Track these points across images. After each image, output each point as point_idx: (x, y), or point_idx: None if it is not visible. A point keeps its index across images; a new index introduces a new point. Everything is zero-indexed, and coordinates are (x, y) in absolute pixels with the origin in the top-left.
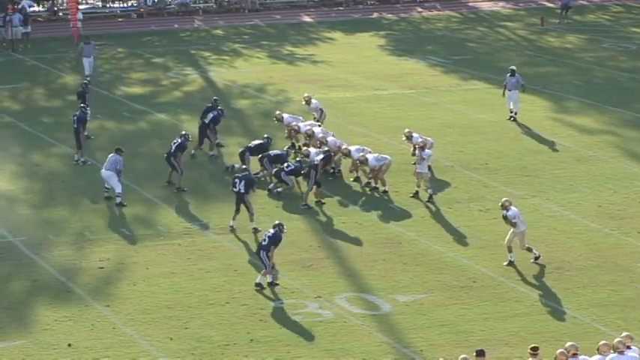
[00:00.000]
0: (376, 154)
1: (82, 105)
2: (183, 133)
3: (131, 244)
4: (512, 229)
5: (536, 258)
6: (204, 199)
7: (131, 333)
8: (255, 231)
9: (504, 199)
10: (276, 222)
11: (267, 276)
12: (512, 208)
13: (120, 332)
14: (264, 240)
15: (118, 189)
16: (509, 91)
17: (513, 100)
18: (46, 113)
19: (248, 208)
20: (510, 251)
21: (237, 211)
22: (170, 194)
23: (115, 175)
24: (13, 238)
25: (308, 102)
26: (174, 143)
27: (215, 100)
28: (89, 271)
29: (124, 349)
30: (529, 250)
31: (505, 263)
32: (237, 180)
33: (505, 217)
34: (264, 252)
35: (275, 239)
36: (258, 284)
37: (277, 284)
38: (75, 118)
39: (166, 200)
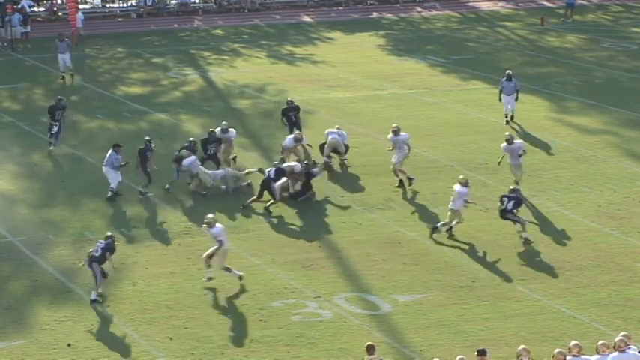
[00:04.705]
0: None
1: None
2: (191, 139)
3: (131, 244)
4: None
5: (240, 277)
6: (205, 199)
7: (131, 333)
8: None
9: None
10: (109, 233)
11: (99, 289)
12: (218, 225)
13: (120, 332)
14: (97, 251)
15: (113, 184)
16: (508, 95)
17: (511, 103)
18: (45, 113)
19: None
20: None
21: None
22: (170, 194)
23: (111, 171)
24: (13, 238)
25: (396, 133)
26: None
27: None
28: (89, 271)
29: (123, 349)
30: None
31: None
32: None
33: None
34: (96, 263)
35: (109, 248)
36: (94, 299)
37: (101, 301)
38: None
39: (166, 200)
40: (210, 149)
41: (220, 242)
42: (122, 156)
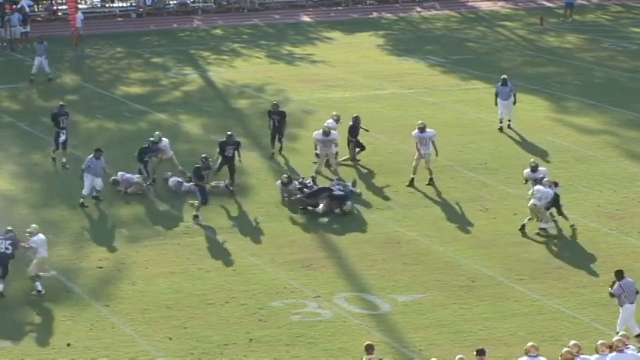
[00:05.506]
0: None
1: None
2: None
3: (131, 244)
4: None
5: None
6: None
7: (130, 333)
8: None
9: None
10: (8, 227)
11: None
12: (39, 235)
13: (119, 332)
14: (7, 249)
15: (86, 190)
16: (504, 100)
17: (507, 109)
18: (45, 113)
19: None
20: None
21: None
22: (170, 194)
23: (90, 177)
24: None
25: (422, 130)
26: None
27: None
28: (88, 271)
29: (123, 349)
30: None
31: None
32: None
33: None
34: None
35: (15, 242)
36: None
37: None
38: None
39: (166, 200)
40: (229, 151)
41: (34, 250)
42: (104, 160)
